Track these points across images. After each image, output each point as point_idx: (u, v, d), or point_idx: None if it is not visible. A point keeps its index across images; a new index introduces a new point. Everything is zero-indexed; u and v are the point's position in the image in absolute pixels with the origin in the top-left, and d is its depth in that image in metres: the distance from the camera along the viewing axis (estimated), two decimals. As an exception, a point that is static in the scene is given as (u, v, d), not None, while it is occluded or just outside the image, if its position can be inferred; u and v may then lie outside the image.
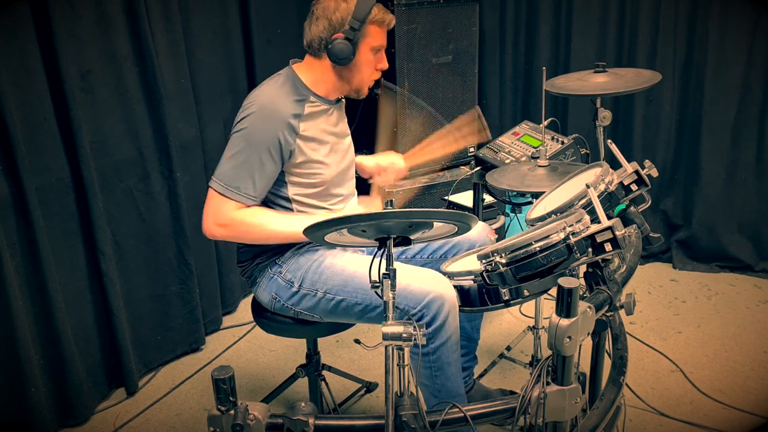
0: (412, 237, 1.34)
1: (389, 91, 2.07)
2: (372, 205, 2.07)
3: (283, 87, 1.77)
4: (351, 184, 1.97)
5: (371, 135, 3.12)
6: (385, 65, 1.85)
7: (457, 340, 1.66)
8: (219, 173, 1.71)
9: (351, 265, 1.76)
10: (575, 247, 1.32)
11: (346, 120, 1.97)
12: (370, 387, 2.35)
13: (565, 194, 1.58)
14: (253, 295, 1.91)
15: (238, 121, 1.73)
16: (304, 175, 1.78)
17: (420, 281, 1.62)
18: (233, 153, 1.70)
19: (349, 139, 1.96)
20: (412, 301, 1.61)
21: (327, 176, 1.82)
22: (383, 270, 1.25)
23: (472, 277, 1.48)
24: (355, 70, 1.79)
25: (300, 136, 1.74)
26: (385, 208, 1.79)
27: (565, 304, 1.17)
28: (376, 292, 1.25)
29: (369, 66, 1.81)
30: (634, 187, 1.51)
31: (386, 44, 1.84)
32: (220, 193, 1.70)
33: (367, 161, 2.07)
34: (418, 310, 1.60)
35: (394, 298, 1.23)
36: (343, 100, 1.93)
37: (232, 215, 1.70)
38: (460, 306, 1.53)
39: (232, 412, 1.23)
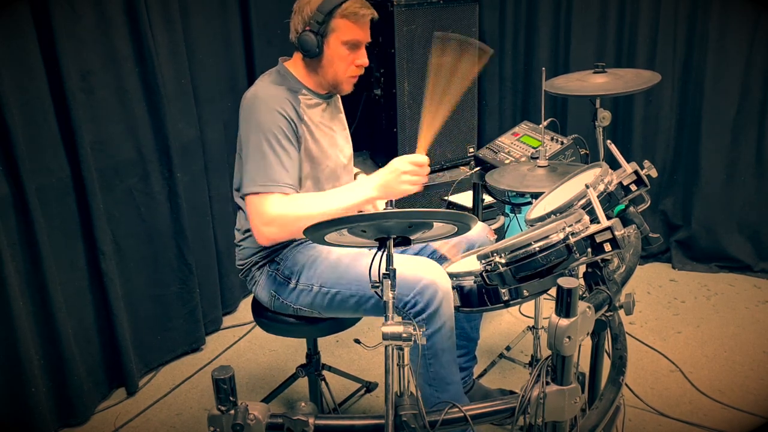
0: (412, 237, 1.34)
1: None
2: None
3: (276, 81, 1.79)
4: (351, 178, 1.99)
5: (371, 135, 3.13)
6: (364, 62, 1.80)
7: (452, 327, 1.64)
8: (249, 178, 1.69)
9: (345, 257, 1.76)
10: (575, 248, 1.32)
11: (342, 115, 1.97)
12: (370, 387, 2.36)
13: (564, 194, 1.59)
14: (253, 295, 1.92)
15: (243, 124, 1.73)
16: (305, 168, 1.79)
17: (412, 268, 1.62)
18: (252, 153, 1.69)
19: (346, 133, 1.96)
20: (404, 288, 1.60)
21: (328, 169, 1.83)
22: (383, 270, 1.25)
23: (472, 277, 1.48)
24: (327, 64, 1.77)
25: (302, 121, 1.75)
26: (385, 208, 1.79)
27: (565, 304, 1.17)
28: (376, 292, 1.26)
29: (342, 61, 1.76)
30: (633, 187, 1.52)
31: (367, 40, 1.79)
32: (258, 193, 1.67)
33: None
34: (411, 297, 1.60)
35: (394, 298, 1.24)
36: (338, 95, 1.92)
37: (276, 211, 1.67)
38: (459, 306, 1.53)
39: (232, 411, 1.23)
